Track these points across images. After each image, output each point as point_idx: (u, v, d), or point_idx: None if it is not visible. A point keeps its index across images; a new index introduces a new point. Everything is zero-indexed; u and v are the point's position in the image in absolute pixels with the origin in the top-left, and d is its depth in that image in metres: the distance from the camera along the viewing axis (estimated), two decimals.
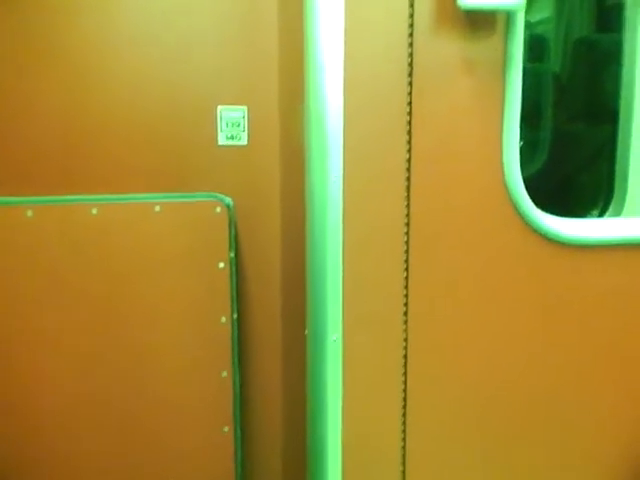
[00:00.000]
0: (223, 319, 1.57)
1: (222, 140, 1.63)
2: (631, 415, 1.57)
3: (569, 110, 2.58)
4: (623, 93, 2.00)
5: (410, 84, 1.34)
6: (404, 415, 1.43)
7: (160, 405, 1.58)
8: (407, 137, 1.36)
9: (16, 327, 1.51)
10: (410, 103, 1.35)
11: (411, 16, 1.32)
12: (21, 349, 1.52)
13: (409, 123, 1.36)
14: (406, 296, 1.37)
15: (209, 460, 1.60)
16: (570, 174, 2.49)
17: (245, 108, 1.63)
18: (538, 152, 2.50)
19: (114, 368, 1.56)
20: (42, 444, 1.54)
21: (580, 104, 2.58)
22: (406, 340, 1.39)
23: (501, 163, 1.38)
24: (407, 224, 1.37)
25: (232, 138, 1.64)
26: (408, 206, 1.37)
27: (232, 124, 1.64)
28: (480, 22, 1.33)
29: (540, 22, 2.97)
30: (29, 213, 1.49)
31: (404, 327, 1.39)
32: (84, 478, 1.57)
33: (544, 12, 2.94)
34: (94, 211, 1.51)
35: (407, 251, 1.37)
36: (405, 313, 1.39)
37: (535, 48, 2.79)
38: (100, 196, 1.54)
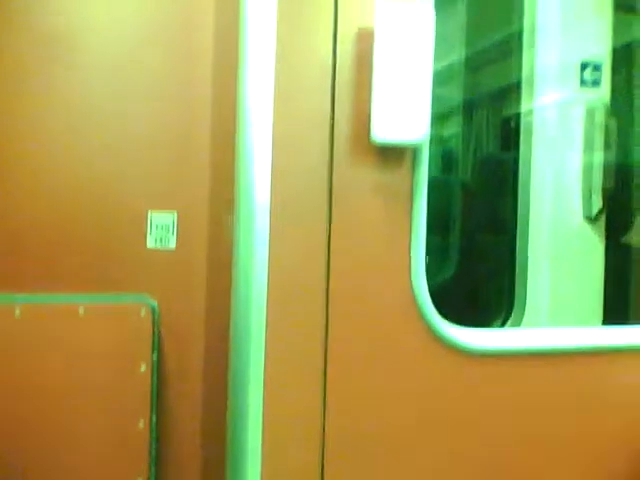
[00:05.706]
0: (141, 423, 1.57)
1: (151, 243, 1.69)
2: None
3: (476, 221, 2.82)
4: (519, 207, 2.24)
5: (330, 206, 1.49)
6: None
7: None
8: (326, 250, 1.49)
9: None
10: (330, 223, 1.48)
11: (331, 147, 1.48)
12: None
13: (329, 238, 1.49)
14: (324, 389, 1.46)
15: None
16: (478, 284, 2.69)
17: (175, 213, 1.70)
18: (448, 262, 2.69)
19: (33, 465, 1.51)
20: None
21: (487, 215, 2.83)
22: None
23: (409, 277, 1.52)
24: (326, 327, 1.47)
25: (161, 242, 1.70)
26: (327, 314, 1.47)
27: (162, 228, 1.70)
28: (391, 154, 1.52)
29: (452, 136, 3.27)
30: None
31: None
32: None
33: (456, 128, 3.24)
34: (17, 312, 1.51)
35: (325, 352, 1.46)
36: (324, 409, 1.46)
37: (446, 160, 3.06)
38: (24, 295, 1.54)
